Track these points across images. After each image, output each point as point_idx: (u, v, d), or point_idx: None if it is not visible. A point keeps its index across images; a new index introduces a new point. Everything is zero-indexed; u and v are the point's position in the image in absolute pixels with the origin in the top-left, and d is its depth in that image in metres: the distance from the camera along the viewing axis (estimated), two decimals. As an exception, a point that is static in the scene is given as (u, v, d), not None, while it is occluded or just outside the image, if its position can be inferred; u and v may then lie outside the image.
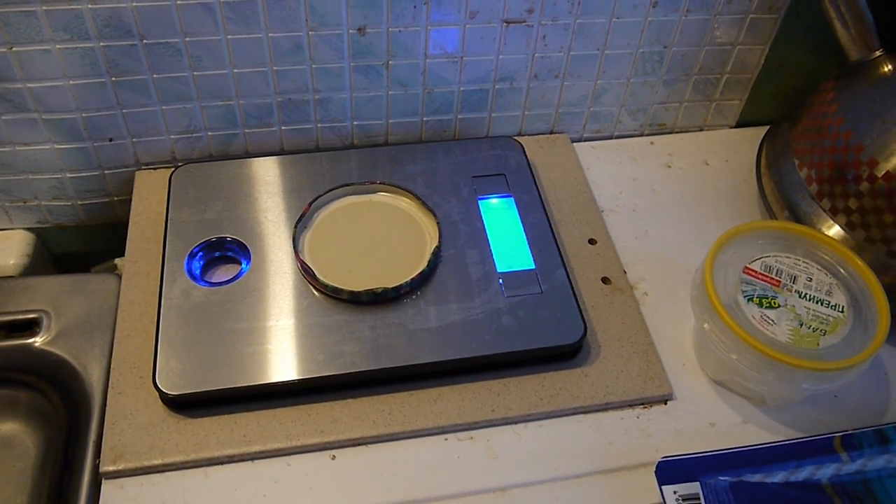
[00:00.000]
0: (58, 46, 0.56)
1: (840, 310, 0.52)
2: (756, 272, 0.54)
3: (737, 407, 0.55)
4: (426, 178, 0.64)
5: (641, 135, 0.75)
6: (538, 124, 0.72)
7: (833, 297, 0.53)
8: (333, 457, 0.52)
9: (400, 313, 0.55)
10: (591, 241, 0.64)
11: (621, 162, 0.72)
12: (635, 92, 0.71)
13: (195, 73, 0.61)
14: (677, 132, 0.76)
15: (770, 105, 0.74)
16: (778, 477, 0.51)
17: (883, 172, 0.55)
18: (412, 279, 0.56)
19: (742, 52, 0.69)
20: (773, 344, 0.50)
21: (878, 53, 0.59)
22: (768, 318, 0.52)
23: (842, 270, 0.54)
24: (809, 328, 0.51)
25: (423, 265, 0.57)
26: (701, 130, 0.76)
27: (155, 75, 0.60)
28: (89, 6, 0.55)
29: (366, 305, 0.55)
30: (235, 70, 0.61)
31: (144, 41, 0.58)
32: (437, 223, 0.59)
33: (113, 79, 0.59)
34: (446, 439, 0.53)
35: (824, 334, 0.51)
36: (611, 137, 0.75)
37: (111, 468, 0.49)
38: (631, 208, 0.68)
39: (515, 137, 0.69)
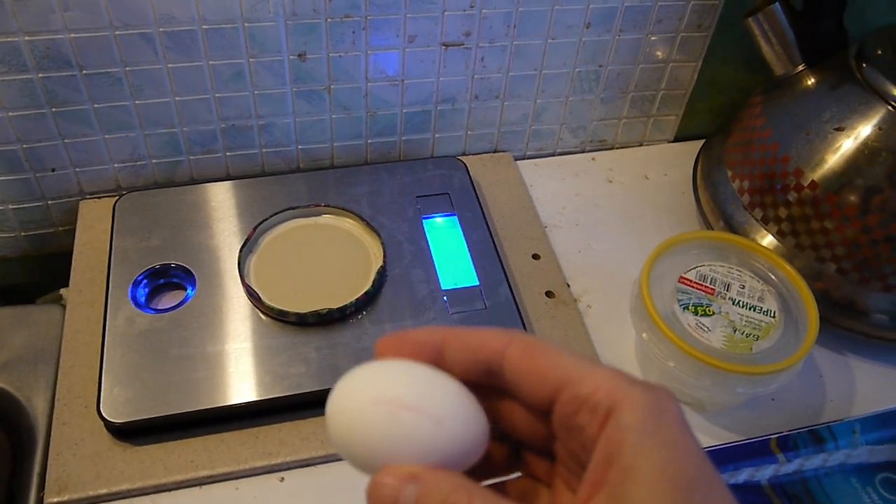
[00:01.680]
0: (-5, 78, 0.56)
1: (772, 315, 0.54)
2: (691, 281, 0.55)
3: (678, 413, 0.56)
4: (371, 200, 0.65)
5: (583, 151, 0.77)
6: (481, 144, 0.73)
7: (765, 303, 0.55)
8: (282, 479, 0.52)
9: (346, 333, 0.56)
10: (535, 256, 0.65)
11: (564, 178, 0.74)
12: (574, 110, 0.73)
13: (137, 101, 0.61)
14: (618, 148, 0.78)
15: (705, 119, 0.77)
16: (719, 480, 0.53)
17: (808, 181, 0.57)
18: (357, 299, 0.56)
19: (675, 68, 0.71)
20: (708, 350, 0.51)
21: (800, 68, 0.61)
22: (703, 325, 0.53)
23: (773, 277, 0.56)
24: (743, 334, 0.53)
25: (368, 285, 0.57)
26: (640, 146, 0.78)
27: (96, 105, 0.60)
28: (26, 38, 0.55)
29: (312, 327, 0.56)
30: (177, 98, 0.62)
31: (84, 71, 0.58)
32: (382, 243, 0.60)
33: (53, 109, 0.59)
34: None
35: (757, 339, 0.53)
36: (553, 154, 0.76)
37: (56, 499, 0.49)
38: (574, 223, 0.70)
39: (459, 157, 0.71)
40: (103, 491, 0.49)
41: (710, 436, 0.55)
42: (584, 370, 0.27)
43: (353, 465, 0.28)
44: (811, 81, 0.60)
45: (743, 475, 0.53)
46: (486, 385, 0.29)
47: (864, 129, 0.56)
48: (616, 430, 0.25)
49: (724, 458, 0.53)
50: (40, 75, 0.57)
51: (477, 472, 0.29)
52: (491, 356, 0.28)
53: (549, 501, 0.30)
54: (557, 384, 0.27)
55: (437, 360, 0.29)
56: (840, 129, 0.56)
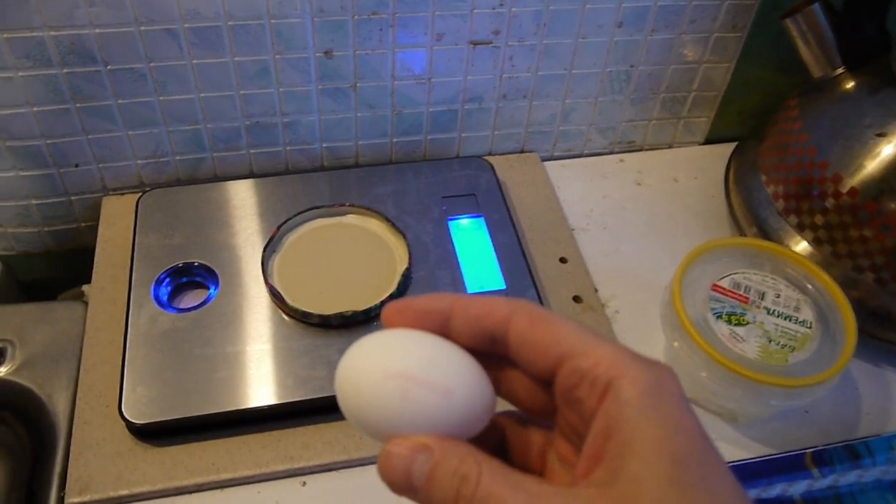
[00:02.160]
0: (20, 74, 0.56)
1: (808, 325, 0.52)
2: (724, 289, 0.54)
3: (708, 424, 0.55)
4: (396, 200, 0.64)
5: (611, 153, 0.76)
6: (508, 144, 0.72)
7: (801, 313, 0.53)
8: (304, 483, 0.51)
9: (370, 336, 0.55)
10: (562, 260, 0.64)
11: (591, 180, 0.73)
12: (604, 110, 0.71)
13: (161, 97, 0.60)
14: (647, 150, 0.76)
15: (737, 122, 0.75)
16: (751, 494, 0.51)
17: (847, 188, 0.55)
18: (382, 302, 0.55)
19: (708, 69, 0.70)
20: (742, 361, 0.50)
21: (839, 71, 0.59)
22: (737, 335, 0.52)
23: (809, 286, 0.54)
24: (778, 345, 0.51)
25: (392, 287, 0.57)
26: (670, 147, 0.77)
27: (120, 101, 0.60)
28: (51, 33, 0.54)
29: (335, 329, 0.55)
30: (202, 94, 0.61)
31: (108, 67, 0.57)
32: (407, 245, 0.59)
33: (77, 105, 0.59)
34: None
35: (793, 350, 0.51)
36: (581, 156, 0.75)
37: (77, 500, 0.48)
38: (602, 226, 0.68)
39: (485, 157, 0.69)
40: (124, 492, 0.49)
41: (741, 448, 0.54)
42: (587, 344, 0.27)
43: (361, 431, 0.29)
44: (850, 85, 0.59)
45: (776, 490, 0.51)
46: (491, 353, 0.29)
47: (907, 135, 0.54)
48: (614, 404, 0.25)
49: (757, 472, 0.52)
50: (65, 70, 0.57)
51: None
52: (496, 326, 0.28)
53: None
54: (559, 356, 0.27)
55: (443, 329, 0.29)
56: (882, 135, 0.55)
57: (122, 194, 0.66)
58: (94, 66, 0.57)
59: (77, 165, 0.63)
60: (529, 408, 0.31)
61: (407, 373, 0.27)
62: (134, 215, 0.62)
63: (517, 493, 0.25)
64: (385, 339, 0.29)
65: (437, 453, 0.26)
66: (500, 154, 0.73)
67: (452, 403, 0.27)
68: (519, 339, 0.28)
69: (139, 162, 0.65)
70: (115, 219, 0.64)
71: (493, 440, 0.31)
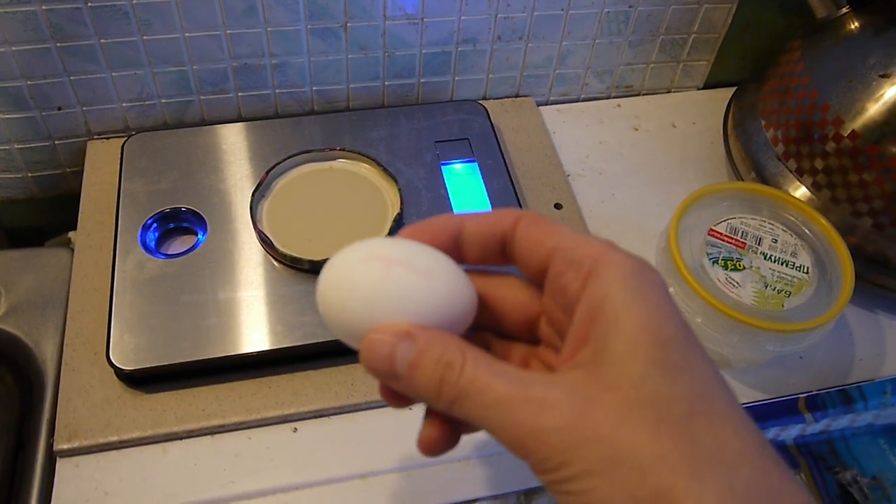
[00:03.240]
0: (-3, 10, 0.54)
1: (805, 271, 0.52)
2: (721, 234, 0.53)
3: (703, 370, 0.55)
4: (388, 144, 0.62)
5: (608, 97, 0.74)
6: (503, 88, 0.70)
7: (798, 258, 0.52)
8: (295, 429, 0.51)
9: (361, 282, 0.54)
10: (557, 206, 0.63)
11: (588, 125, 0.71)
12: (601, 53, 0.69)
13: (145, 37, 0.58)
14: (644, 94, 0.75)
15: (738, 65, 0.73)
16: (743, 439, 0.51)
17: (848, 131, 0.54)
18: (373, 247, 0.54)
19: (709, 10, 0.68)
20: (737, 306, 0.49)
21: (844, 10, 0.58)
22: (733, 280, 0.51)
23: (807, 231, 0.54)
24: (774, 290, 0.51)
25: (384, 233, 0.56)
26: (668, 92, 0.75)
27: (102, 40, 0.58)
28: (28, -33, 0.52)
29: (326, 275, 0.54)
30: (187, 34, 0.59)
31: (89, 4, 0.55)
32: (399, 189, 0.58)
33: (58, 44, 0.57)
34: (410, 409, 0.52)
35: (789, 296, 0.50)
36: (577, 100, 0.73)
37: (66, 446, 0.48)
38: (597, 172, 0.67)
39: (480, 101, 0.68)
40: (114, 438, 0.49)
41: (736, 393, 0.54)
42: (578, 238, 0.29)
43: (343, 332, 0.29)
44: (855, 25, 0.57)
45: (769, 434, 0.51)
46: (494, 263, 0.31)
47: (911, 77, 0.53)
48: (599, 285, 0.26)
49: (751, 416, 0.51)
50: (44, 7, 0.55)
51: None
52: (505, 229, 0.30)
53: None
54: (552, 249, 0.29)
55: (455, 243, 0.31)
56: (885, 76, 0.53)
57: (108, 138, 0.65)
58: (74, 2, 0.55)
59: (60, 108, 0.61)
60: (514, 328, 0.32)
61: (387, 255, 0.27)
62: (119, 160, 0.60)
63: (501, 378, 0.26)
64: (368, 241, 0.29)
65: (422, 341, 0.27)
66: (495, 98, 0.71)
67: (433, 286, 0.28)
68: (521, 237, 0.30)
69: (124, 105, 0.63)
70: (101, 163, 0.63)
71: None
